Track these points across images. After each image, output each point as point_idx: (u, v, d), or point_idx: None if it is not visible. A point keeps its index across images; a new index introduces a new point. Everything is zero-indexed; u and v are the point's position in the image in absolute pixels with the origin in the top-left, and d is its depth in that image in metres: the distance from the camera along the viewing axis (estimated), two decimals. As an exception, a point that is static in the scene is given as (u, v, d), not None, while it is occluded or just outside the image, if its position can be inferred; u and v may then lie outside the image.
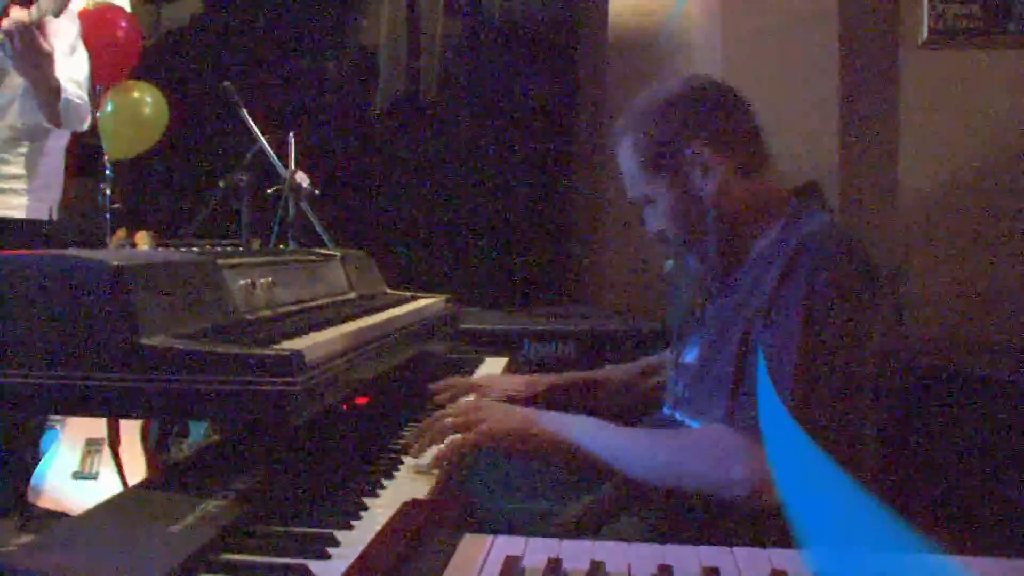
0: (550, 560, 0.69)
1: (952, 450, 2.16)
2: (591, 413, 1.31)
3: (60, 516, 2.61)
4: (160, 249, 2.58)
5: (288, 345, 1.20)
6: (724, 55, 3.06)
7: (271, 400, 1.00)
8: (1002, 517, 1.92)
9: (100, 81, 3.37)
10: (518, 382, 1.77)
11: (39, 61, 2.21)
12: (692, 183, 1.35)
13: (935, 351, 2.85)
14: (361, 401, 1.62)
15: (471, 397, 1.61)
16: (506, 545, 0.72)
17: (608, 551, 0.72)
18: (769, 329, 1.21)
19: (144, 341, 1.03)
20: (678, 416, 1.40)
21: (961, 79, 3.27)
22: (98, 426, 2.72)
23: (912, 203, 3.26)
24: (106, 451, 2.68)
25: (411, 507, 0.75)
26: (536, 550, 0.71)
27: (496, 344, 2.63)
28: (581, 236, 3.61)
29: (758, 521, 1.17)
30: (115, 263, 1.07)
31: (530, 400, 1.69)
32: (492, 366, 2.15)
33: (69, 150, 2.70)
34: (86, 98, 2.46)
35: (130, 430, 2.77)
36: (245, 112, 2.52)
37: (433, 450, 1.24)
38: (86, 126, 2.51)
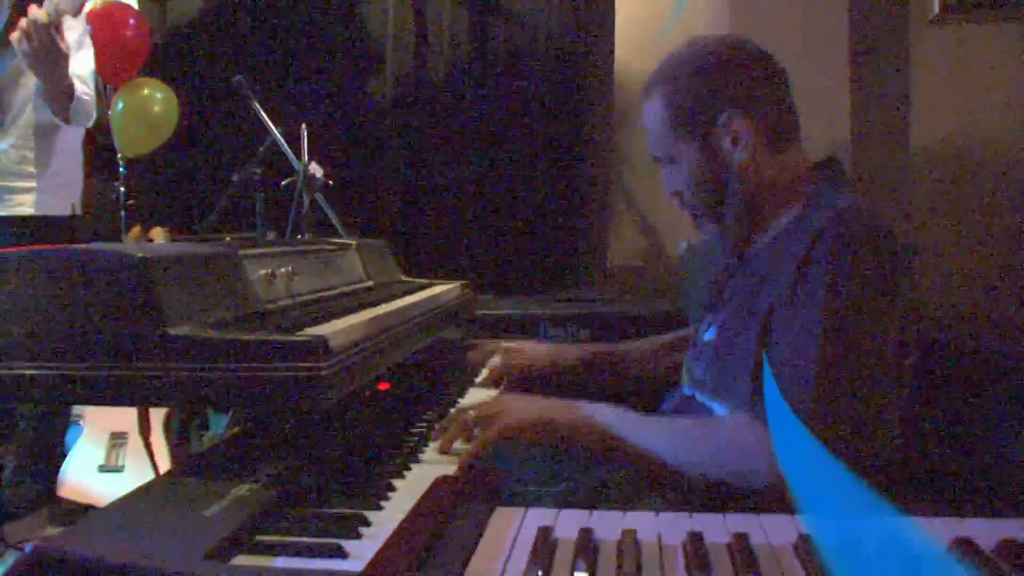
0: (582, 530, 0.70)
1: (964, 425, 2.16)
2: (613, 386, 1.31)
3: (88, 508, 2.65)
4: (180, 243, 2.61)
5: (311, 332, 1.22)
6: (733, 29, 3.05)
7: (298, 385, 1.02)
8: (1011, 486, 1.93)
9: (110, 80, 3.39)
10: (544, 356, 1.78)
11: (55, 61, 2.23)
12: (720, 150, 1.32)
13: (947, 326, 2.85)
14: (383, 387, 1.64)
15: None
16: (538, 517, 0.74)
17: (638, 520, 0.73)
18: (792, 312, 1.19)
19: (171, 331, 1.05)
20: (699, 398, 1.39)
21: (972, 53, 3.24)
22: (122, 420, 2.76)
23: (923, 177, 3.25)
24: (130, 444, 2.72)
25: (442, 483, 0.76)
26: (568, 521, 0.73)
27: (511, 329, 2.64)
28: (593, 220, 3.61)
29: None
30: (141, 255, 1.09)
31: (555, 374, 1.72)
32: (509, 351, 2.16)
33: (85, 149, 2.73)
34: (92, 94, 2.48)
35: (154, 424, 2.81)
36: (257, 105, 2.53)
37: (457, 444, 1.25)
38: (92, 122, 2.54)
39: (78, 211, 2.65)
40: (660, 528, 0.72)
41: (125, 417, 2.73)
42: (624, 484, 1.44)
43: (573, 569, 0.63)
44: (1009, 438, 1.92)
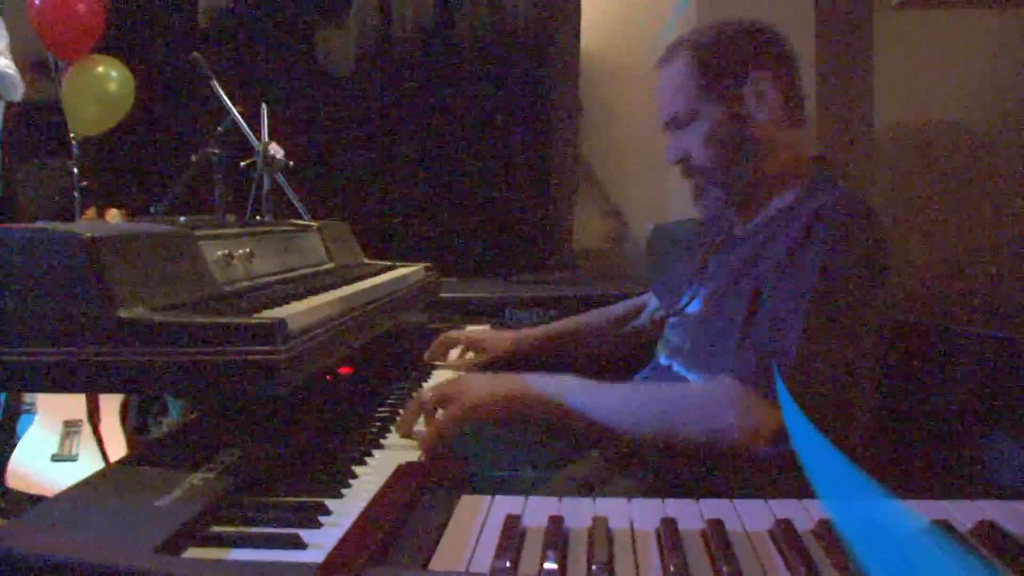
0: (551, 518, 0.68)
1: (933, 404, 2.18)
2: (576, 361, 1.31)
3: (40, 499, 2.57)
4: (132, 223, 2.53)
5: (269, 314, 1.18)
6: (699, 14, 3.04)
7: (254, 370, 0.98)
8: (982, 466, 1.95)
9: (63, 56, 3.29)
10: (505, 339, 1.79)
11: None
12: (743, 112, 1.34)
13: (909, 309, 2.88)
14: (344, 371, 1.60)
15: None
16: (505, 505, 0.71)
17: (609, 507, 0.71)
18: (782, 283, 1.22)
19: (122, 314, 1.00)
20: (675, 367, 1.40)
21: (935, 40, 3.27)
22: (75, 408, 2.68)
23: (886, 162, 3.27)
24: (85, 432, 2.65)
25: (406, 470, 0.73)
26: (536, 509, 0.70)
27: (476, 312, 2.61)
28: (558, 203, 3.59)
29: (754, 475, 1.18)
30: (89, 235, 1.04)
31: (518, 358, 1.73)
32: (474, 334, 2.14)
33: (34, 127, 2.64)
34: (14, 67, 2.39)
35: (110, 411, 2.74)
36: (216, 83, 2.46)
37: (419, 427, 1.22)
38: (19, 96, 2.44)
39: None
40: (632, 514, 0.70)
41: (79, 405, 2.66)
42: (592, 468, 1.44)
43: (543, 559, 0.61)
44: (969, 418, 1.94)
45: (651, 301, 1.79)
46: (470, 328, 1.99)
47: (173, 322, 0.99)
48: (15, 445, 2.68)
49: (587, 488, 1.38)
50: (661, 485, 1.30)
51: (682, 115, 1.39)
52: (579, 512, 0.69)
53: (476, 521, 0.69)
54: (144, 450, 1.07)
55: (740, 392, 1.15)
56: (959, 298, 3.07)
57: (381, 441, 1.19)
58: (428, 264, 2.16)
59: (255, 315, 1.12)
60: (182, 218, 1.62)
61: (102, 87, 3.29)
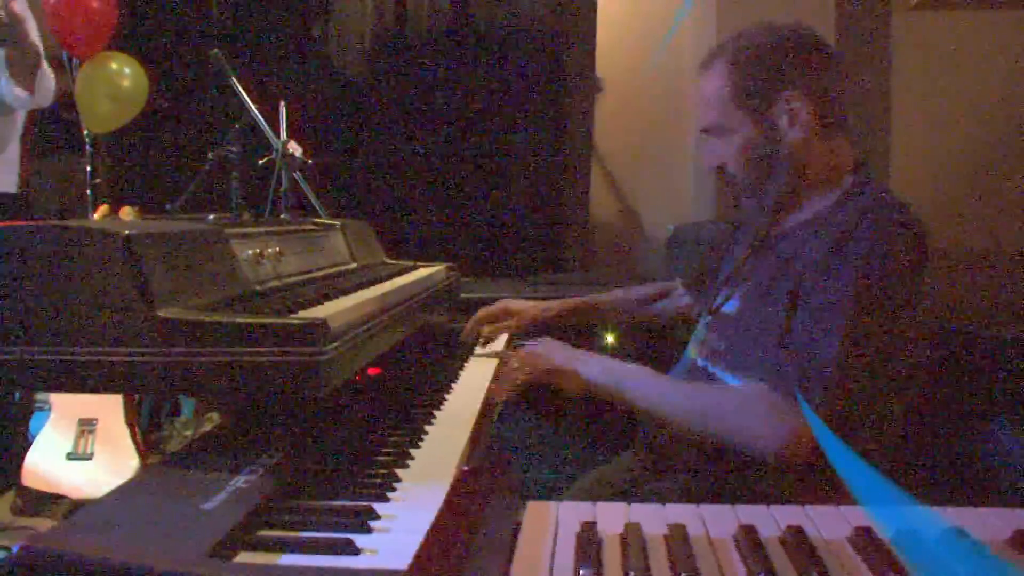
0: (628, 525, 0.66)
1: (960, 407, 2.17)
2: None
3: (56, 498, 2.56)
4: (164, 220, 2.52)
5: (307, 315, 1.17)
6: (719, 15, 3.02)
7: (298, 370, 0.96)
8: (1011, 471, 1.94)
9: (75, 53, 3.27)
10: (532, 308, 1.93)
11: (18, 28, 2.13)
12: (777, 128, 1.33)
13: (938, 313, 2.86)
14: (373, 372, 1.59)
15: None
16: (574, 511, 0.70)
17: (680, 513, 0.69)
18: (822, 285, 1.21)
19: (162, 313, 0.98)
20: (712, 369, 1.39)
21: (952, 40, 3.26)
22: (90, 406, 2.66)
23: (904, 163, 3.26)
24: (100, 430, 2.62)
25: (468, 475, 0.72)
26: (607, 514, 0.69)
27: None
28: (576, 203, 3.57)
29: (789, 480, 1.17)
30: (127, 232, 1.02)
31: (541, 324, 1.89)
32: (494, 333, 2.12)
33: (48, 124, 2.62)
34: (51, 75, 2.38)
35: (114, 409, 2.71)
36: (236, 81, 2.44)
37: (467, 413, 1.33)
38: (51, 98, 2.43)
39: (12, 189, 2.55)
40: (706, 520, 0.69)
41: (94, 403, 2.64)
42: (625, 470, 1.42)
43: (626, 568, 0.59)
44: (1000, 421, 1.92)
45: (679, 292, 1.85)
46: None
47: (216, 322, 0.97)
48: (30, 443, 2.66)
49: (621, 492, 1.36)
50: (696, 488, 1.29)
51: (716, 126, 1.39)
52: (651, 519, 0.68)
53: (548, 528, 0.67)
54: (182, 452, 1.06)
55: (777, 401, 1.16)
56: (985, 301, 3.05)
57: (419, 443, 1.18)
58: (449, 264, 2.15)
59: (293, 315, 1.11)
60: (210, 216, 1.60)
61: (115, 84, 3.28)
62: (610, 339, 2.55)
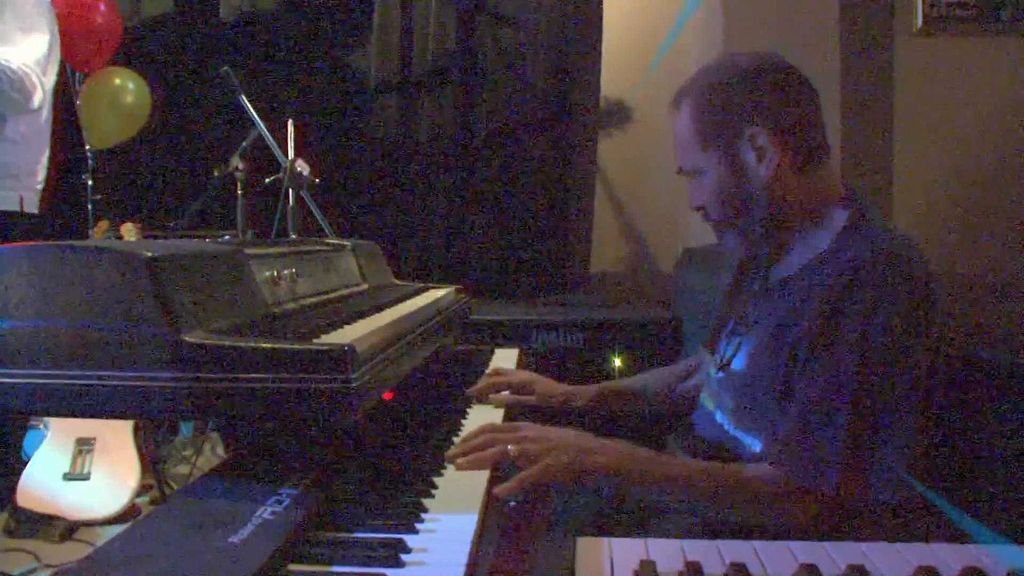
0: (688, 563, 0.64)
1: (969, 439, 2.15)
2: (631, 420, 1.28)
3: (51, 519, 2.51)
4: (181, 240, 2.48)
5: (328, 339, 1.14)
6: (726, 40, 3.03)
7: (327, 396, 0.94)
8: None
9: (81, 69, 3.26)
10: (558, 393, 1.71)
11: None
12: (744, 165, 1.29)
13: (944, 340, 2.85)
14: (386, 396, 1.56)
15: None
16: (626, 548, 0.67)
17: (733, 550, 0.67)
18: (825, 353, 1.17)
19: (186, 338, 0.96)
20: (729, 429, 1.35)
21: (955, 65, 3.27)
22: (88, 425, 2.62)
23: (908, 189, 3.26)
24: (98, 450, 2.58)
25: (511, 512, 0.69)
26: (662, 552, 0.67)
27: (501, 335, 2.58)
28: (580, 225, 3.56)
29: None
30: (150, 254, 1.00)
31: (568, 412, 1.68)
32: (503, 357, 2.10)
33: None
34: (27, 71, 2.31)
35: (113, 429, 2.67)
36: (244, 98, 2.42)
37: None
38: (35, 103, 2.35)
39: (25, 207, 2.47)
40: (765, 559, 0.66)
41: (93, 422, 2.60)
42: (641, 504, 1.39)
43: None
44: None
45: (704, 361, 1.68)
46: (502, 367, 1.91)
47: (243, 347, 0.95)
48: (24, 463, 2.62)
49: (641, 524, 1.34)
50: (716, 522, 1.27)
51: (688, 168, 1.36)
52: (708, 556, 0.66)
53: (603, 566, 0.65)
54: (203, 480, 1.03)
55: (786, 485, 1.15)
56: (991, 328, 3.04)
57: (442, 472, 1.15)
58: (458, 286, 2.13)
59: (316, 340, 1.09)
60: (226, 235, 1.58)
61: (118, 99, 3.27)
62: (618, 362, 2.54)
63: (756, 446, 1.28)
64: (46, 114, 2.52)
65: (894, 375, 1.15)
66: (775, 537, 1.13)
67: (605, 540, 0.70)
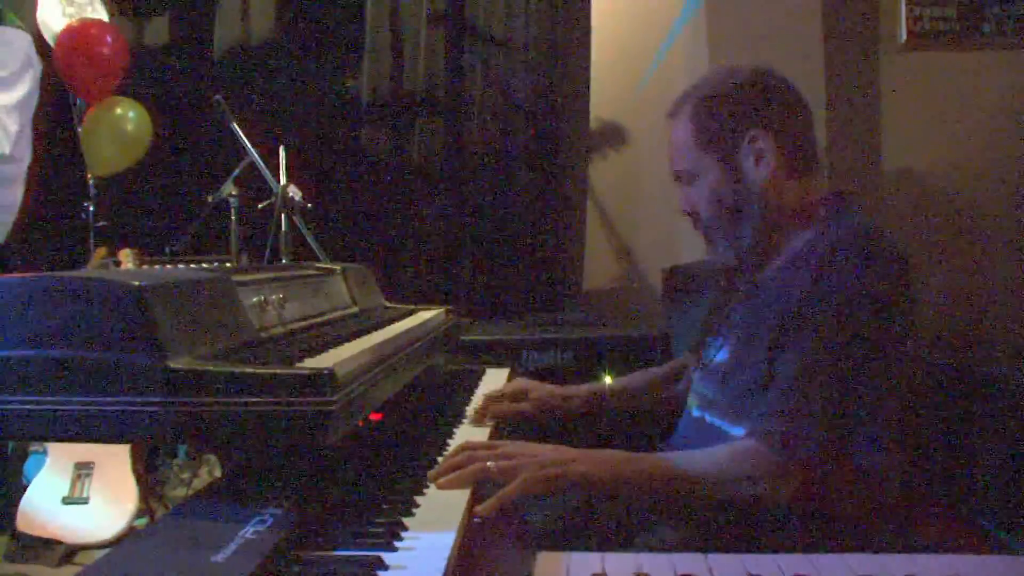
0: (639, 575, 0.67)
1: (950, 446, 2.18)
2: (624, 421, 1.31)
3: (51, 543, 2.54)
4: (169, 267, 2.52)
5: (311, 363, 1.18)
6: (711, 57, 3.08)
7: (308, 419, 0.97)
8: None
9: (86, 99, 3.31)
10: (553, 395, 1.76)
11: None
12: (742, 169, 1.35)
13: (929, 351, 2.88)
14: (374, 417, 1.59)
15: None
16: (585, 563, 0.70)
17: (689, 563, 0.70)
18: (800, 337, 1.21)
19: (172, 364, 0.99)
20: (709, 419, 1.39)
21: (939, 80, 3.32)
22: (86, 450, 2.65)
23: (894, 202, 3.30)
24: (96, 474, 2.61)
25: (476, 527, 0.72)
26: (617, 565, 0.69)
27: (493, 354, 2.61)
28: (570, 243, 3.60)
29: (789, 526, 1.18)
30: (136, 283, 1.04)
31: (565, 412, 1.74)
32: (494, 377, 2.13)
33: (48, 166, 2.61)
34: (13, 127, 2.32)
35: (111, 453, 2.70)
36: (236, 126, 2.47)
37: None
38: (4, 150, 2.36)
39: None
40: (715, 570, 0.69)
41: (91, 447, 2.63)
42: (628, 516, 1.42)
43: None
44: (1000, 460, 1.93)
45: (693, 369, 1.69)
46: (488, 384, 1.94)
47: (225, 372, 0.98)
48: (24, 487, 2.65)
49: (627, 536, 1.36)
50: (703, 532, 1.29)
51: (685, 173, 1.40)
52: (661, 568, 0.69)
53: (560, 580, 0.68)
54: (190, 501, 1.06)
55: (764, 457, 1.17)
56: (977, 340, 3.07)
57: (423, 490, 1.18)
58: (448, 307, 2.16)
59: (299, 364, 1.12)
60: (216, 262, 1.62)
61: (120, 128, 3.31)
62: (608, 380, 2.56)
63: (738, 431, 1.31)
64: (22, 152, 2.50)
65: (874, 347, 1.20)
66: (761, 524, 1.17)
67: (565, 555, 0.73)
